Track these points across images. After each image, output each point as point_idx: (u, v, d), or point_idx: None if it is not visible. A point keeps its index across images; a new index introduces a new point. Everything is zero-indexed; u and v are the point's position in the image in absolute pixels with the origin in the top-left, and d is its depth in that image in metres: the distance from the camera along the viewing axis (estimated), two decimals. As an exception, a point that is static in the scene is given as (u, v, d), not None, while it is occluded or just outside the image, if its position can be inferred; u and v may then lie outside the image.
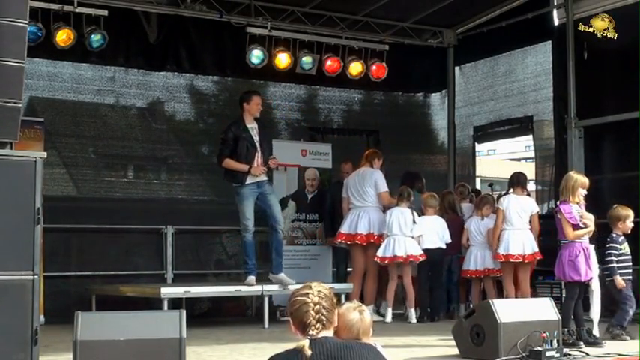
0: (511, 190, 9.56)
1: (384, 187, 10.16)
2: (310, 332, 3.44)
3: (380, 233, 10.03)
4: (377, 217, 10.09)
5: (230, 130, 9.41)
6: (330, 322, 3.50)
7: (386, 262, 9.89)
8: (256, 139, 9.38)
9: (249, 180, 9.30)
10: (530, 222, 9.44)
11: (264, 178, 9.43)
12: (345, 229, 10.20)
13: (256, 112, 9.44)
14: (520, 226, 9.36)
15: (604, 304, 8.27)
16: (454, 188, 11.75)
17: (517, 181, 9.54)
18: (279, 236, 9.50)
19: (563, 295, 8.56)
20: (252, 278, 9.35)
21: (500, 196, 10.10)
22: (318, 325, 3.45)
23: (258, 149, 9.36)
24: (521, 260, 9.38)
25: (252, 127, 9.41)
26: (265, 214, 9.47)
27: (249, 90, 9.94)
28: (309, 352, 3.33)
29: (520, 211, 9.37)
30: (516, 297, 9.29)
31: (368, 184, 10.14)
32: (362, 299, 9.60)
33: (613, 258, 7.96)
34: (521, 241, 9.34)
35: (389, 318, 9.83)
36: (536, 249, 9.41)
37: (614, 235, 8.06)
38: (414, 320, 9.84)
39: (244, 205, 9.29)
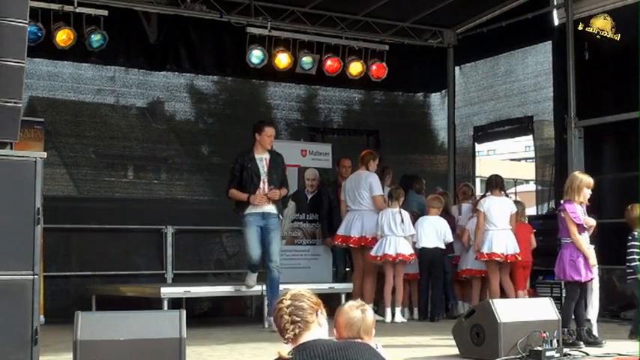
0: (489, 193, 9.91)
1: (378, 191, 10.21)
2: (287, 336, 3.41)
3: (373, 236, 10.13)
4: (370, 221, 10.16)
5: (237, 161, 9.11)
6: (307, 322, 3.45)
7: (378, 260, 10.00)
8: (264, 169, 8.95)
9: (249, 209, 8.91)
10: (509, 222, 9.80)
11: (271, 210, 8.96)
12: (341, 231, 10.35)
13: (268, 145, 9.01)
14: (502, 226, 9.70)
15: (603, 305, 8.28)
16: (458, 188, 11.78)
17: (495, 183, 9.96)
18: (274, 275, 8.87)
19: (563, 295, 8.57)
20: (253, 277, 9.16)
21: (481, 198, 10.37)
22: (292, 326, 3.42)
23: (265, 179, 8.93)
24: (503, 260, 9.67)
25: (262, 157, 9.01)
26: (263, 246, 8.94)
27: (263, 120, 9.50)
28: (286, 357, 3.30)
29: (501, 211, 9.73)
30: (501, 296, 9.46)
31: (363, 187, 10.20)
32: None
33: (636, 256, 8.04)
34: (504, 241, 9.66)
35: (388, 318, 9.87)
36: (518, 250, 9.71)
37: (635, 233, 8.14)
38: (400, 319, 9.92)
39: (247, 233, 8.95)
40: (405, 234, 9.96)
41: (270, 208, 8.95)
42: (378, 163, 10.42)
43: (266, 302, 9.15)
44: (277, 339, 3.63)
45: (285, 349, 3.35)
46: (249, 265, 9.18)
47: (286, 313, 3.44)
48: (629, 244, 8.13)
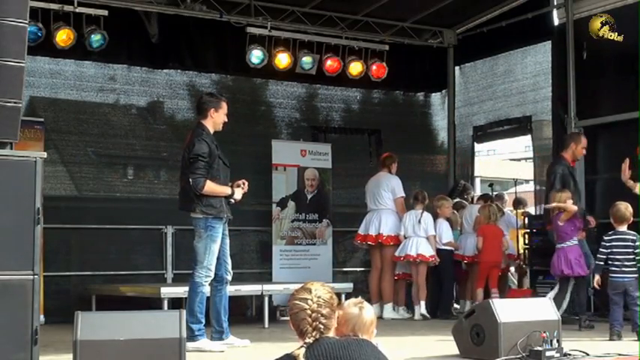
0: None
1: (400, 193, 10.54)
2: (306, 340, 3.43)
3: (389, 234, 10.40)
4: (388, 219, 10.42)
5: (204, 142, 7.11)
6: (328, 328, 3.48)
7: (401, 260, 10.33)
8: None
9: (220, 212, 7.22)
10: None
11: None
12: (361, 230, 10.63)
13: (220, 126, 7.35)
14: (471, 230, 10.75)
15: (603, 304, 8.28)
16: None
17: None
18: (226, 291, 7.50)
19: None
20: (210, 343, 7.30)
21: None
22: (315, 332, 3.44)
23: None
24: (469, 260, 10.77)
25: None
26: (219, 257, 7.31)
27: (215, 94, 7.79)
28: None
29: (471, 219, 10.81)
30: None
31: (383, 187, 10.51)
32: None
33: None
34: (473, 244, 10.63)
35: (389, 316, 10.22)
36: (476, 252, 10.59)
37: None
38: (419, 315, 10.19)
39: (211, 245, 7.14)
40: (425, 234, 10.20)
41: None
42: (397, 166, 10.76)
43: (223, 324, 7.53)
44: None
45: (298, 344, 3.39)
46: (201, 296, 7.29)
47: (309, 316, 3.44)
48: None
